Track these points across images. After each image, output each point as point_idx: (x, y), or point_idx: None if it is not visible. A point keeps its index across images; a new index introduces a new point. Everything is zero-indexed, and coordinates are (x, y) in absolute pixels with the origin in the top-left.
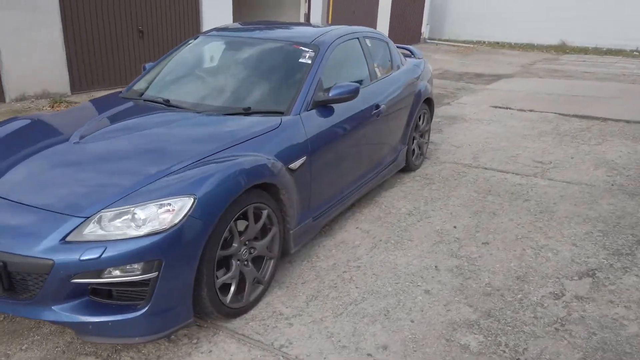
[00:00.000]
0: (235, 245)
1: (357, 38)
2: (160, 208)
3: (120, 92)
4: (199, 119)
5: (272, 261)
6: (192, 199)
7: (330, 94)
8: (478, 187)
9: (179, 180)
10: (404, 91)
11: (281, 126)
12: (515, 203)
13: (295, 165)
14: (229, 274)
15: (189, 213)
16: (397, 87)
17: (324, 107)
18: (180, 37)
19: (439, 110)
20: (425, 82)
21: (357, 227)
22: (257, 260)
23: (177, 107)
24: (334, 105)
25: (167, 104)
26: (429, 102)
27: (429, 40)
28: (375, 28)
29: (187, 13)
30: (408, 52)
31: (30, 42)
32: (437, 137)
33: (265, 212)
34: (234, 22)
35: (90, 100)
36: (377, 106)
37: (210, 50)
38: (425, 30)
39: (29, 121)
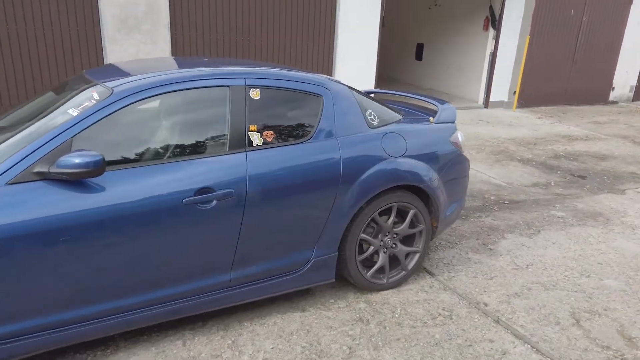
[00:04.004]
0: None
1: (228, 86)
2: None
3: None
4: None
5: None
6: None
7: (55, 164)
8: (427, 352)
9: None
10: (314, 171)
11: None
12: None
13: None
14: None
15: None
16: (285, 163)
17: (66, 183)
18: None
19: (595, 200)
20: (411, 161)
21: None
22: None
23: None
24: (102, 183)
25: None
26: (419, 192)
27: None
28: (612, 70)
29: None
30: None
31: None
32: (515, 242)
33: None
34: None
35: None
36: (206, 190)
37: None
38: None
39: None
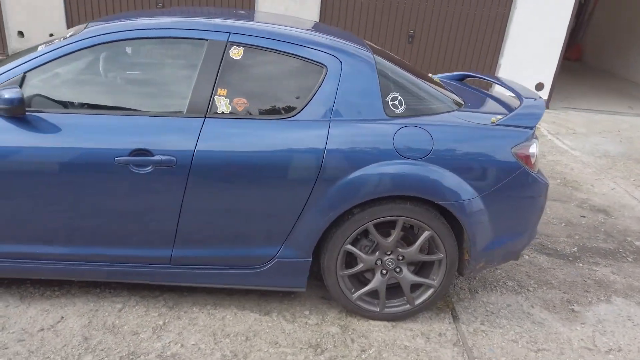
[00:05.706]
0: None
1: (206, 40)
2: None
3: None
4: None
5: None
6: None
7: None
8: None
9: None
10: (286, 157)
11: None
12: None
13: None
14: None
15: None
16: (251, 139)
17: (6, 119)
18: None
19: None
20: (434, 167)
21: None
22: None
23: None
24: (40, 124)
25: None
26: (441, 209)
27: None
28: None
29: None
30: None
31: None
32: (619, 312)
33: None
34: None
35: None
36: (142, 152)
37: None
38: None
39: None
